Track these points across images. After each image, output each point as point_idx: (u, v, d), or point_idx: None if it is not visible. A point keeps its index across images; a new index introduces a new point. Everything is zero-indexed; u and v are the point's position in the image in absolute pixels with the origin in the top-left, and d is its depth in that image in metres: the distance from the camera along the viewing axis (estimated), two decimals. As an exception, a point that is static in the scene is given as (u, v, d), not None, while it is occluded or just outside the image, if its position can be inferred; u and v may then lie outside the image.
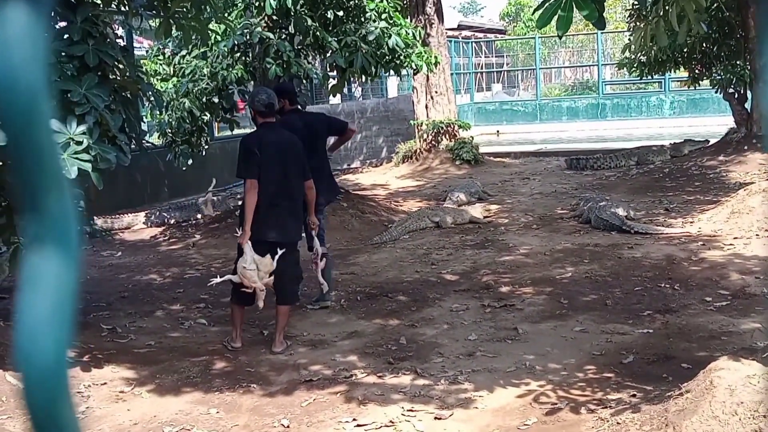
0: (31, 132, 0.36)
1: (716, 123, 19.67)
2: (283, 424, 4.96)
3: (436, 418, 4.93)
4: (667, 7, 5.83)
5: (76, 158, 4.85)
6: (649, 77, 16.44)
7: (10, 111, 0.35)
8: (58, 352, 0.37)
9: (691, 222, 9.94)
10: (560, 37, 4.67)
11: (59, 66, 5.02)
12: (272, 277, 6.11)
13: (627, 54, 15.24)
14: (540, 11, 4.47)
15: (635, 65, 15.57)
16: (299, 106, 8.07)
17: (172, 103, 10.39)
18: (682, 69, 16.61)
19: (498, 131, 25.18)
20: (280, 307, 6.31)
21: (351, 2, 10.26)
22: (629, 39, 14.94)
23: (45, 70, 0.36)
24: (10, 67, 0.35)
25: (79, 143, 4.89)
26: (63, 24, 5.49)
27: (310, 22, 9.78)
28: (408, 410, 5.04)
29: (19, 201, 0.36)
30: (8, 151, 0.36)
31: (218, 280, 6.31)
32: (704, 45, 15.13)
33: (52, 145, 0.37)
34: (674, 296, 7.04)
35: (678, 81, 23.60)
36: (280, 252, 6.07)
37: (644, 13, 11.64)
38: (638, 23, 14.05)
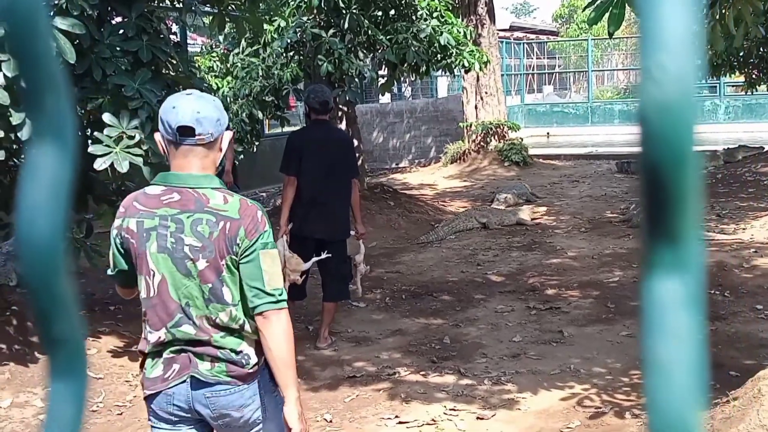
0: (30, 42, 0.42)
1: (772, 129, 19.31)
2: (326, 419, 4.99)
3: (478, 418, 4.92)
4: (723, 11, 5.73)
5: (128, 152, 4.93)
6: (703, 81, 16.18)
7: (13, 23, 0.41)
8: (54, 233, 0.43)
9: (744, 228, 9.78)
10: (611, 36, 4.60)
11: (114, 61, 5.11)
12: (303, 276, 6.09)
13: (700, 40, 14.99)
14: (591, 8, 4.42)
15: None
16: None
17: (232, 105, 10.47)
18: (737, 73, 16.33)
19: (548, 133, 24.97)
20: (326, 304, 6.34)
21: (402, 1, 10.28)
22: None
23: None
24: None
25: (131, 137, 4.97)
26: (118, 19, 5.59)
27: (362, 19, 9.82)
28: (450, 409, 5.04)
29: (22, 101, 0.43)
30: (13, 61, 0.41)
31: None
32: (761, 49, 14.85)
33: (49, 53, 0.42)
34: (724, 303, 6.93)
35: (733, 86, 23.18)
36: (323, 255, 6.06)
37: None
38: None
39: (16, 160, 5.52)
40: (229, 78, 10.69)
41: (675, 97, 0.38)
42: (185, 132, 2.67)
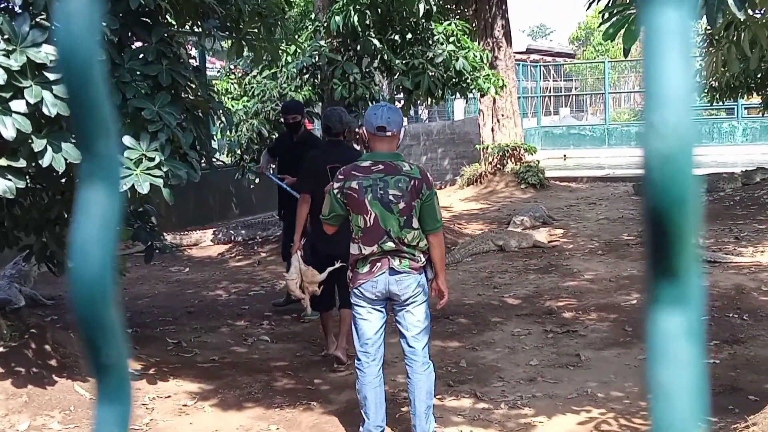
0: (86, 90, 0.46)
1: (791, 151, 19.20)
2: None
3: (495, 442, 4.90)
4: (738, 32, 5.74)
5: (149, 174, 4.97)
6: (721, 103, 16.14)
7: (70, 74, 0.45)
8: (103, 265, 0.47)
9: (762, 251, 9.72)
10: (627, 53, 4.61)
11: (134, 84, 5.16)
12: (320, 287, 6.14)
13: (698, 79, 15.00)
14: (607, 25, 4.44)
15: (706, 90, 15.32)
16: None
17: (242, 124, 10.56)
18: (755, 95, 16.28)
19: (565, 155, 24.95)
20: (344, 311, 6.36)
21: (419, 26, 10.34)
22: (700, 64, 14.70)
23: (98, 39, 0.46)
24: (71, 36, 0.45)
25: (151, 159, 5.02)
26: (138, 44, 5.65)
27: (377, 44, 9.88)
28: (467, 433, 5.02)
29: (77, 145, 0.48)
30: (69, 106, 0.47)
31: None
32: (778, 71, 14.79)
33: (103, 100, 0.47)
34: (742, 327, 6.89)
35: (750, 108, 23.12)
36: (336, 264, 6.10)
37: (717, 37, 11.45)
38: (711, 48, 13.83)
39: (37, 185, 5.57)
40: (245, 98, 10.77)
41: (675, 148, 0.41)
42: (381, 129, 4.58)
